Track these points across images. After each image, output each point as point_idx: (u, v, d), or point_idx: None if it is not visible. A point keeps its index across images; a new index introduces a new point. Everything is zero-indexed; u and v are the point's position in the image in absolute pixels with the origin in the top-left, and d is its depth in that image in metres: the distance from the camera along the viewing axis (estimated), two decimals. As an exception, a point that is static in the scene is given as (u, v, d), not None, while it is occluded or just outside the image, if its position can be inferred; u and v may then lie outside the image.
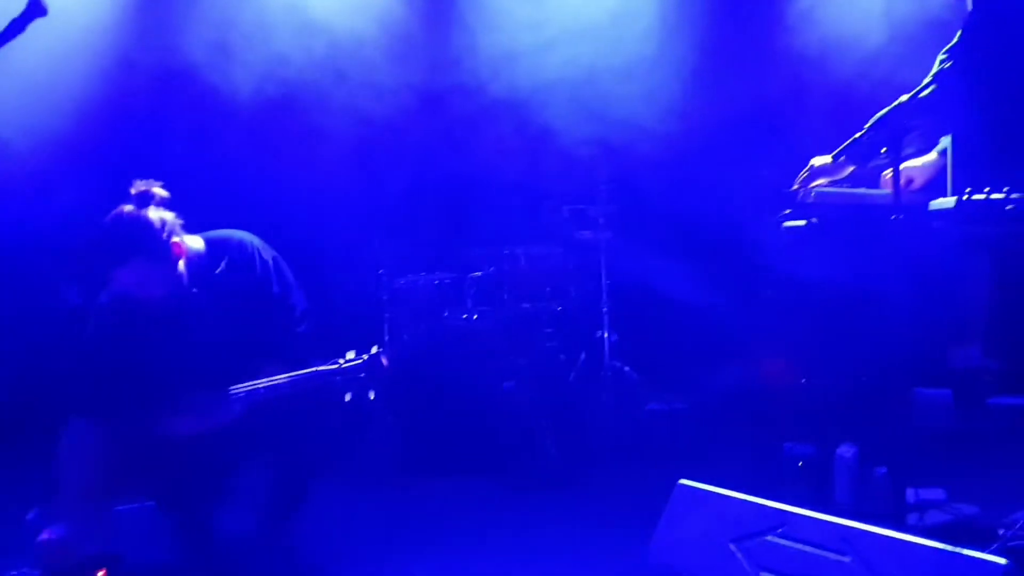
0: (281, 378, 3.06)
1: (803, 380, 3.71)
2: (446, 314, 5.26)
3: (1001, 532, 3.09)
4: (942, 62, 3.10)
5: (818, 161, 3.38)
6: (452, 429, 4.78)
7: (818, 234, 3.34)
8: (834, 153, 3.22)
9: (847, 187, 3.37)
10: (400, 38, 5.82)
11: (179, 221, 3.13)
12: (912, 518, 3.23)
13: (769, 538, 2.59)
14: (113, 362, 3.09)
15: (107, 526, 3.14)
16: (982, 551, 2.22)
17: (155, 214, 3.04)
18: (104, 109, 5.34)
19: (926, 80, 3.05)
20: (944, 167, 3.21)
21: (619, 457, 4.77)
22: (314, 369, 3.09)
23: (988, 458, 3.90)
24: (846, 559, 2.41)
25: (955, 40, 3.09)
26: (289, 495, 3.32)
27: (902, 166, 2.97)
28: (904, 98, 2.97)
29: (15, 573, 2.93)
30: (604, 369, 5.25)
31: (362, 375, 3.11)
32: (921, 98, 2.97)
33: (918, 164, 3.38)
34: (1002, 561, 2.16)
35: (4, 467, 4.15)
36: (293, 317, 3.27)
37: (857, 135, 3.06)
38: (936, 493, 3.59)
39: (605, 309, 5.30)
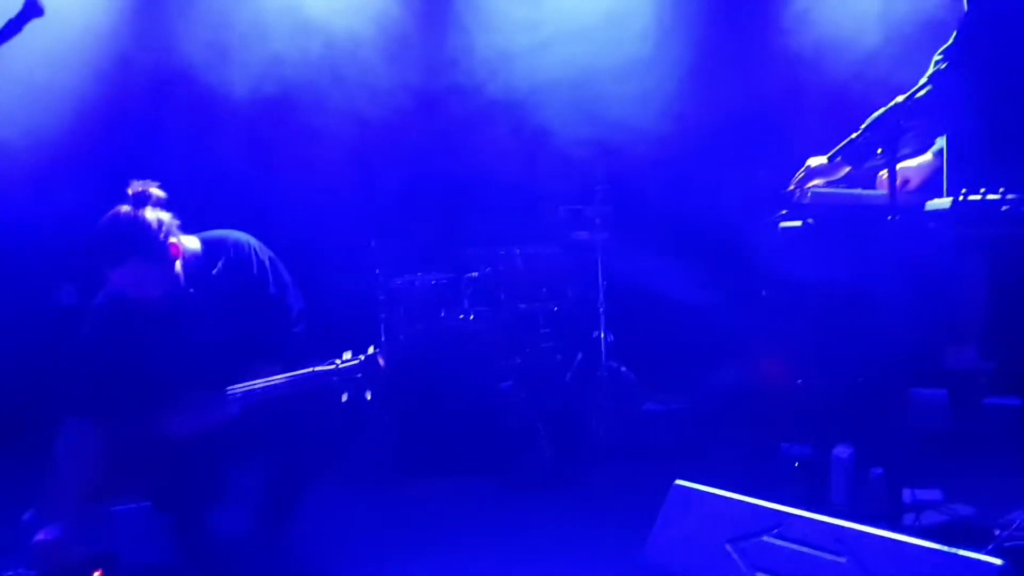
0: (278, 378, 3.06)
1: (799, 381, 3.71)
2: (443, 314, 5.26)
3: (997, 533, 3.10)
4: (938, 63, 3.10)
5: (814, 162, 3.38)
6: (449, 429, 4.78)
7: (814, 235, 3.34)
8: (830, 154, 3.22)
9: (843, 188, 3.38)
10: (397, 39, 5.82)
11: (176, 221, 3.12)
12: (908, 518, 3.23)
13: (765, 539, 2.59)
14: (110, 362, 3.09)
15: (103, 526, 3.14)
16: (978, 552, 2.23)
17: (152, 214, 3.04)
18: (101, 109, 5.33)
19: (922, 81, 3.06)
20: (940, 168, 3.21)
21: (616, 457, 4.78)
22: (311, 369, 3.09)
23: (984, 459, 3.91)
24: (842, 560, 2.41)
25: (951, 41, 3.10)
26: (285, 495, 3.32)
27: (898, 167, 2.98)
28: (900, 99, 2.97)
29: (11, 574, 2.93)
30: (601, 369, 5.25)
31: (359, 375, 3.11)
32: (917, 99, 2.97)
33: (914, 165, 3.39)
34: (998, 562, 2.16)
35: (0, 468, 4.14)
36: (290, 317, 3.27)
37: (853, 136, 3.07)
38: (932, 494, 3.60)
39: (602, 309, 5.30)
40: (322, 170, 5.70)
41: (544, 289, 5.33)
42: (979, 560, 2.19)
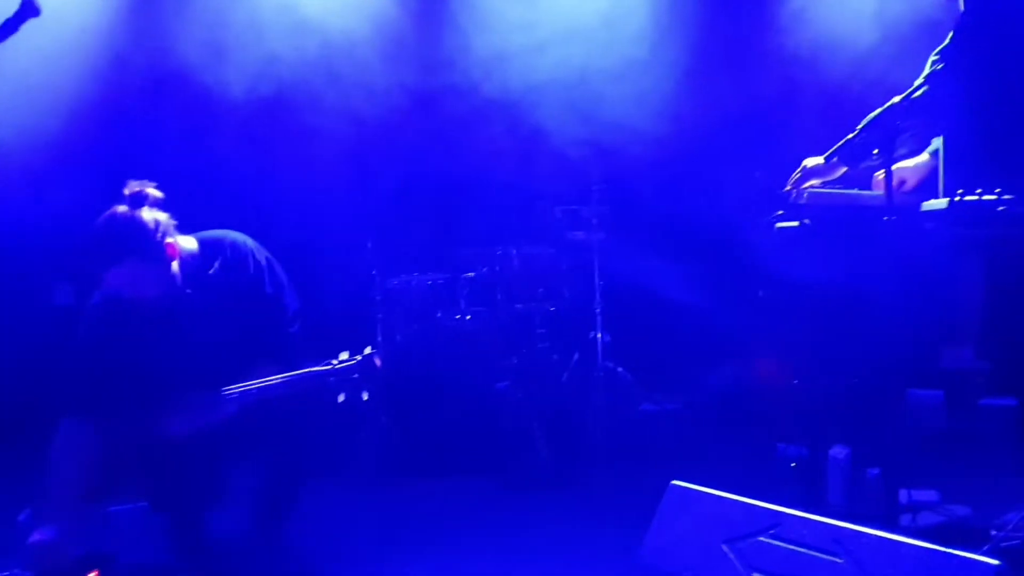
0: (274, 378, 3.06)
1: (796, 381, 3.71)
2: (439, 315, 5.25)
3: (993, 533, 3.10)
4: (934, 63, 3.11)
5: (810, 162, 3.38)
6: (445, 430, 4.78)
7: (810, 235, 3.35)
8: (826, 154, 3.23)
9: (839, 188, 3.38)
10: (392, 38, 5.81)
11: (172, 222, 3.12)
12: (904, 519, 3.24)
13: (762, 539, 2.59)
14: (106, 362, 3.08)
15: (100, 527, 3.13)
16: (974, 552, 2.23)
17: (148, 215, 3.03)
18: (97, 109, 5.33)
19: (918, 81, 3.06)
20: (936, 168, 3.21)
21: (612, 458, 4.77)
22: (307, 370, 3.09)
23: (980, 459, 3.92)
24: (839, 560, 2.41)
25: (947, 41, 3.10)
26: (282, 496, 3.32)
27: (894, 167, 2.98)
28: (897, 99, 2.97)
29: (7, 574, 2.92)
30: (597, 370, 5.25)
31: (355, 376, 3.11)
32: (913, 99, 2.98)
33: (910, 165, 3.39)
34: (994, 562, 2.16)
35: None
36: (286, 317, 3.27)
37: (849, 136, 3.07)
38: (929, 494, 3.61)
39: (598, 310, 5.31)
40: (318, 170, 5.69)
41: (540, 289, 5.32)
42: (976, 560, 2.19)
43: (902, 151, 3.25)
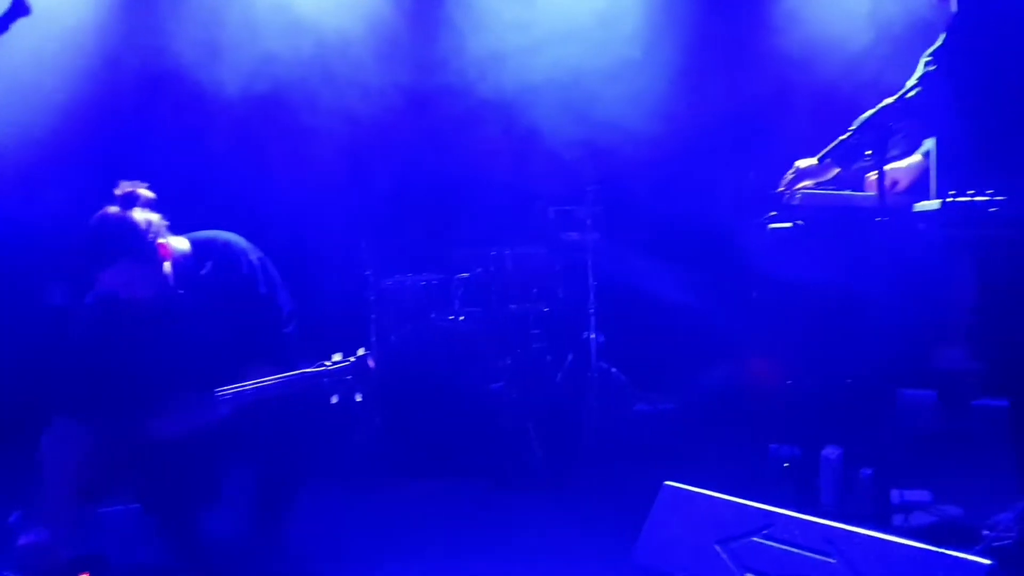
0: (268, 380, 3.05)
1: (789, 381, 3.72)
2: (433, 315, 5.25)
3: (985, 533, 3.11)
4: (926, 64, 3.11)
5: (803, 163, 3.39)
6: (439, 430, 4.78)
7: (803, 236, 3.35)
8: (819, 155, 3.24)
9: (832, 189, 3.39)
10: (387, 38, 5.80)
11: (165, 222, 3.11)
12: (897, 519, 3.25)
13: (755, 539, 2.59)
14: (99, 363, 3.07)
15: (92, 528, 3.13)
16: (966, 552, 2.24)
17: (141, 215, 3.02)
18: (90, 109, 5.31)
19: (911, 82, 3.07)
20: (928, 169, 3.22)
21: (606, 458, 4.77)
22: (301, 371, 3.09)
23: (972, 459, 3.93)
24: (831, 560, 2.41)
25: (939, 43, 3.11)
26: (276, 497, 3.31)
27: (887, 168, 2.99)
28: (889, 100, 2.98)
29: (-2, 576, 2.92)
30: (591, 370, 5.25)
31: (349, 377, 3.11)
32: (906, 100, 2.98)
33: (902, 166, 3.40)
34: (986, 562, 2.17)
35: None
36: (280, 318, 3.27)
37: (842, 137, 3.08)
38: (921, 494, 3.62)
39: (592, 310, 5.30)
40: (312, 170, 5.68)
41: (534, 290, 5.32)
42: (968, 560, 2.20)
43: (894, 152, 3.25)
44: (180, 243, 3.18)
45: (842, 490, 3.55)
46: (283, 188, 5.61)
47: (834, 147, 3.11)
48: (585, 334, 5.33)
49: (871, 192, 3.25)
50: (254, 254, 3.27)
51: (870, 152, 2.96)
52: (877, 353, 3.06)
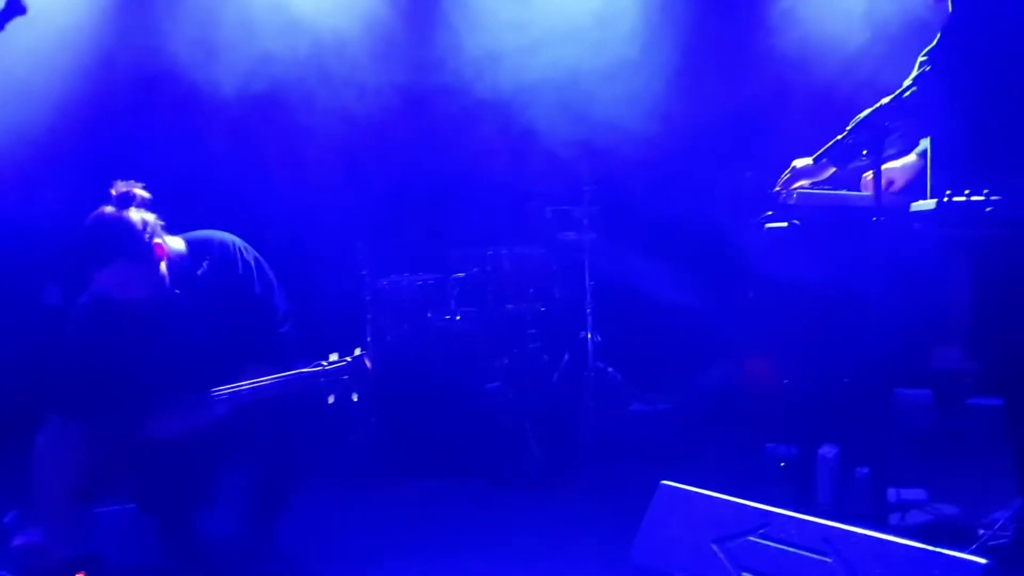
0: (264, 380, 3.05)
1: (785, 381, 3.72)
2: (429, 315, 5.25)
3: (981, 532, 3.12)
4: (923, 64, 3.11)
5: (800, 163, 3.39)
6: (435, 430, 4.77)
7: (800, 236, 3.35)
8: (816, 155, 3.23)
9: (828, 189, 3.39)
10: (384, 38, 5.80)
11: (160, 222, 3.11)
12: (893, 518, 3.25)
13: (751, 538, 2.59)
14: (94, 363, 3.07)
15: (87, 528, 3.12)
16: (962, 551, 2.24)
17: (136, 215, 3.02)
18: (85, 109, 5.30)
19: (907, 82, 3.07)
20: (924, 169, 3.22)
21: (602, 458, 4.78)
22: (297, 371, 3.09)
23: (968, 459, 3.93)
24: (828, 559, 2.41)
25: (935, 42, 3.11)
26: (272, 497, 3.31)
27: (883, 168, 2.99)
28: (886, 100, 2.98)
29: (-8, 577, 2.91)
30: (588, 370, 5.25)
31: (345, 377, 3.11)
32: (902, 100, 2.98)
33: (898, 166, 3.40)
34: (982, 561, 2.17)
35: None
36: (276, 318, 3.26)
37: (838, 137, 3.08)
38: (917, 493, 3.62)
39: (589, 310, 5.31)
40: (308, 170, 5.68)
41: (531, 290, 5.32)
42: (964, 559, 2.20)
43: (891, 152, 3.25)
44: (176, 243, 3.17)
45: (839, 489, 3.55)
46: (279, 188, 5.61)
47: (830, 147, 3.11)
48: (582, 334, 5.33)
49: (867, 192, 3.25)
50: (249, 254, 3.27)
51: (866, 152, 2.96)
52: (873, 353, 3.06)
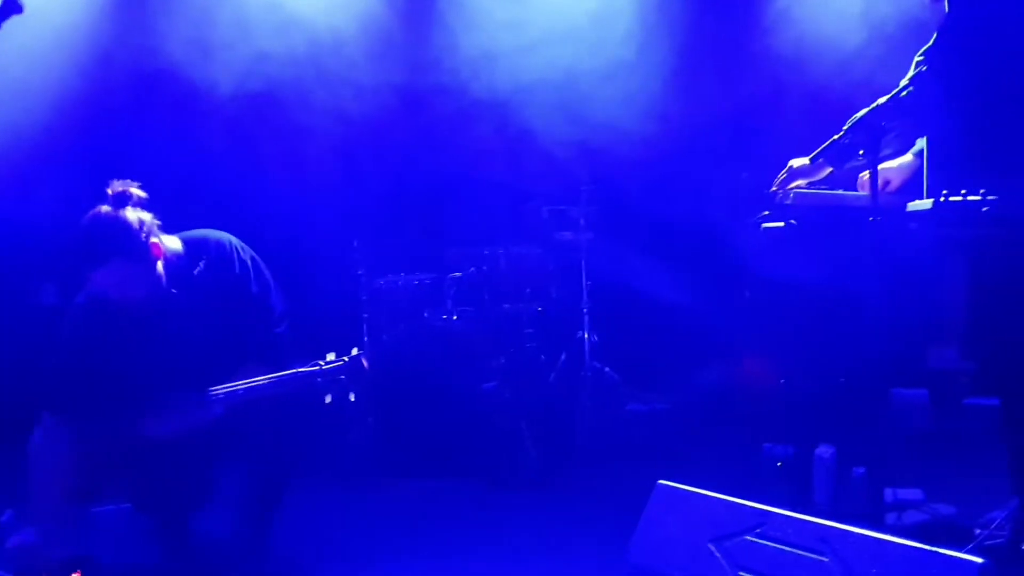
0: (261, 379, 3.05)
1: (782, 381, 3.72)
2: (426, 315, 5.25)
3: (977, 531, 3.12)
4: (919, 64, 3.12)
5: (796, 163, 3.39)
6: (432, 430, 4.77)
7: (796, 236, 3.35)
8: (812, 155, 3.24)
9: (825, 189, 3.39)
10: (380, 37, 5.80)
11: (157, 222, 3.11)
12: (890, 518, 3.25)
13: (748, 538, 2.59)
14: (90, 363, 3.07)
15: (83, 528, 3.12)
16: (959, 550, 2.24)
17: (133, 215, 3.02)
18: (81, 108, 5.29)
19: (904, 82, 3.07)
20: (921, 169, 3.23)
21: (599, 457, 4.78)
22: (294, 370, 3.08)
23: (965, 458, 3.94)
24: (824, 559, 2.41)
25: (932, 42, 3.11)
26: (268, 497, 3.31)
27: (879, 168, 2.99)
28: (882, 100, 2.98)
29: (-11, 576, 2.91)
30: (584, 370, 5.25)
31: (342, 376, 3.10)
32: (899, 100, 2.98)
33: (895, 166, 3.40)
34: (979, 560, 2.17)
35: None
36: (272, 318, 3.26)
37: (835, 137, 3.08)
38: (914, 493, 3.62)
39: (585, 310, 5.31)
40: (305, 169, 5.68)
41: (528, 289, 5.32)
42: (960, 559, 2.20)
43: (887, 152, 3.25)
44: (172, 242, 3.17)
45: (835, 489, 3.55)
46: (276, 187, 5.61)
47: (827, 147, 3.11)
48: (579, 334, 5.33)
49: (864, 192, 3.26)
50: (246, 253, 3.27)
51: (863, 152, 2.96)
52: (870, 352, 3.06)
